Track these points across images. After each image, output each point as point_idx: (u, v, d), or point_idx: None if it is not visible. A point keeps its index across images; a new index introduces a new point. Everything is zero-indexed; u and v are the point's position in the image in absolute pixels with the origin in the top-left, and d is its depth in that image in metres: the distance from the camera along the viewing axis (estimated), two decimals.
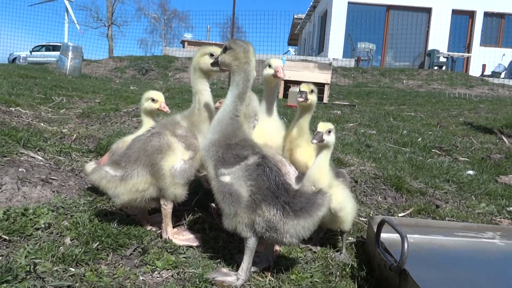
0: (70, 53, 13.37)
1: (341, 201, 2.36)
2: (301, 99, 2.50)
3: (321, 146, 2.25)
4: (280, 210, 1.92)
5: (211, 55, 2.34)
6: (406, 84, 18.00)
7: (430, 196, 3.72)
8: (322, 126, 2.24)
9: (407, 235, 1.90)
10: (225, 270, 2.09)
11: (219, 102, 2.67)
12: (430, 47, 23.03)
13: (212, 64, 2.23)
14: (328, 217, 2.31)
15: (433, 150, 5.57)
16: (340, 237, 2.63)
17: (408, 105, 11.51)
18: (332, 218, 2.38)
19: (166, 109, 2.72)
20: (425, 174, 4.24)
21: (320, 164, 2.26)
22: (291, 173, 2.15)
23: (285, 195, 1.95)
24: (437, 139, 6.30)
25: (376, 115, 8.66)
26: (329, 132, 2.24)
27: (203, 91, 2.44)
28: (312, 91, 2.56)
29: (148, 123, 2.71)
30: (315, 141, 2.21)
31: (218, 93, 10.65)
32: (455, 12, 23.38)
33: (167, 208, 2.37)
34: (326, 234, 2.74)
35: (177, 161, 2.25)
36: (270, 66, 2.52)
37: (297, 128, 2.61)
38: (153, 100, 2.70)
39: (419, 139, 6.06)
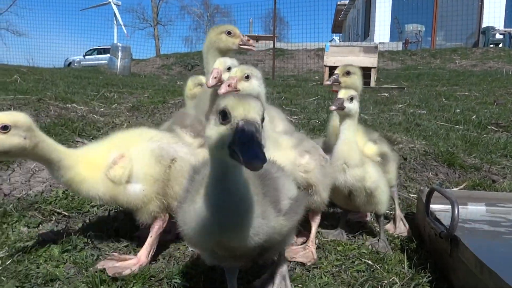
0: (119, 53, 13.93)
1: (376, 180, 2.14)
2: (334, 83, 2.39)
3: (343, 115, 2.08)
4: None
5: (229, 33, 2.16)
6: (459, 64, 17.11)
7: (485, 171, 3.53)
8: (344, 93, 2.07)
9: (460, 205, 1.82)
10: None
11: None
12: (485, 24, 21.65)
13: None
14: (363, 198, 2.16)
15: (489, 127, 5.27)
16: (376, 223, 2.37)
17: (462, 85, 10.94)
18: (367, 199, 2.17)
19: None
20: (480, 150, 4.03)
21: (347, 138, 2.08)
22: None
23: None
24: (493, 116, 5.95)
25: (427, 96, 8.31)
26: (351, 99, 2.06)
27: None
28: (348, 73, 2.41)
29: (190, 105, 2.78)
30: (334, 107, 2.04)
31: None
32: None
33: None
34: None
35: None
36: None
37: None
38: (200, 84, 2.73)
39: (473, 117, 5.76)
